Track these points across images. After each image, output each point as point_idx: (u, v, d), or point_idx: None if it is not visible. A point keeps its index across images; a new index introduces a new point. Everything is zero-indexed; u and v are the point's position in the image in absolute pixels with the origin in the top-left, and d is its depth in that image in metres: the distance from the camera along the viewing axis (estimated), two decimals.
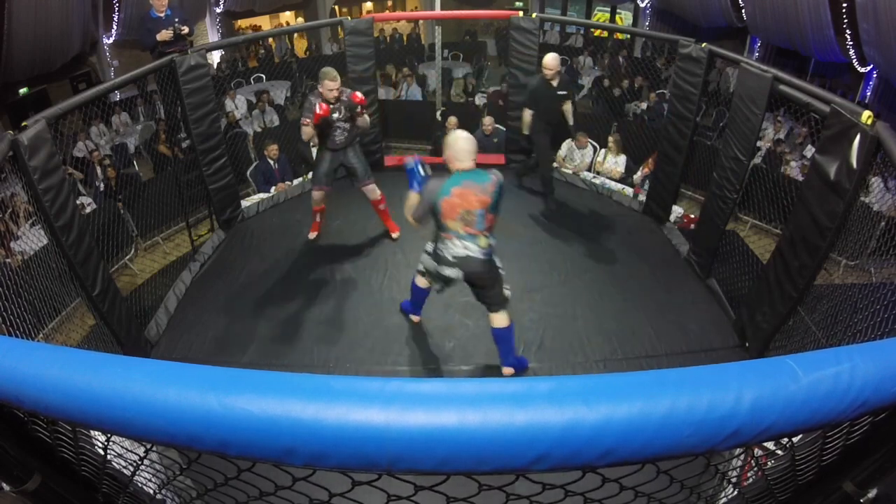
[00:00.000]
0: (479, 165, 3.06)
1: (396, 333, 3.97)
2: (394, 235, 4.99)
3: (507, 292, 3.29)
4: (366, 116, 4.48)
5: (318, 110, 4.06)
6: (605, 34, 13.86)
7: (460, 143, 2.99)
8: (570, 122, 5.47)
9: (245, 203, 5.70)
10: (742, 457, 1.81)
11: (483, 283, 3.19)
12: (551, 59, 5.02)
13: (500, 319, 3.31)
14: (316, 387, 0.68)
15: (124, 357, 0.75)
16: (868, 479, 0.86)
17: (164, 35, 4.91)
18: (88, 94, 3.62)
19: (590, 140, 6.65)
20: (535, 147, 5.45)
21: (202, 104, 4.76)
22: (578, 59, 12.58)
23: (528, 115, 5.18)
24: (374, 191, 4.72)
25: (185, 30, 4.97)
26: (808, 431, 0.76)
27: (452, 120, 6.82)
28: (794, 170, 6.93)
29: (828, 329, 3.19)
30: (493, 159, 6.51)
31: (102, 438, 0.88)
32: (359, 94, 4.29)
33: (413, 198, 3.08)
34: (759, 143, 6.78)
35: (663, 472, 0.87)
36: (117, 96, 10.23)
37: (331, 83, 4.15)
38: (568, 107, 5.32)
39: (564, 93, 5.17)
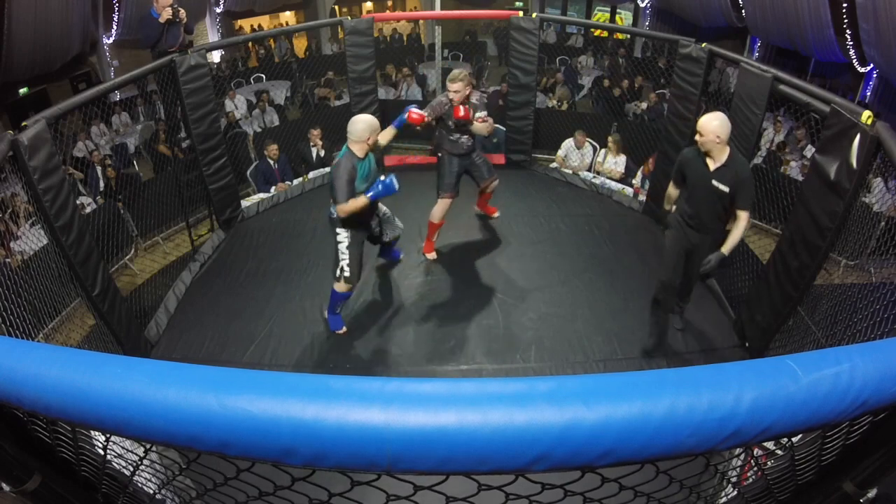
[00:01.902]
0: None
1: (396, 333, 3.97)
2: (495, 215, 5.18)
3: (338, 272, 3.63)
4: (487, 123, 4.08)
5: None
6: (605, 34, 13.86)
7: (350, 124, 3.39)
8: (728, 246, 3.29)
9: (245, 203, 5.70)
10: (742, 457, 1.81)
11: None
12: (707, 122, 3.14)
13: (336, 284, 3.71)
14: (316, 387, 0.68)
15: (124, 357, 0.75)
16: (868, 479, 0.86)
17: (165, 14, 4.85)
18: (88, 94, 3.63)
19: (588, 140, 6.65)
20: (664, 249, 3.76)
21: (202, 104, 4.76)
22: (579, 59, 12.61)
23: (671, 190, 3.64)
24: (494, 184, 4.66)
25: (182, 12, 4.93)
26: (808, 431, 0.76)
27: None
28: (793, 170, 6.93)
29: (828, 329, 3.19)
30: (492, 159, 6.51)
31: (102, 438, 0.88)
32: (461, 111, 3.96)
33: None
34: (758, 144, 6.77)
35: (663, 472, 0.87)
36: (117, 96, 10.23)
37: (451, 85, 3.94)
38: (742, 221, 3.23)
39: (724, 188, 3.20)
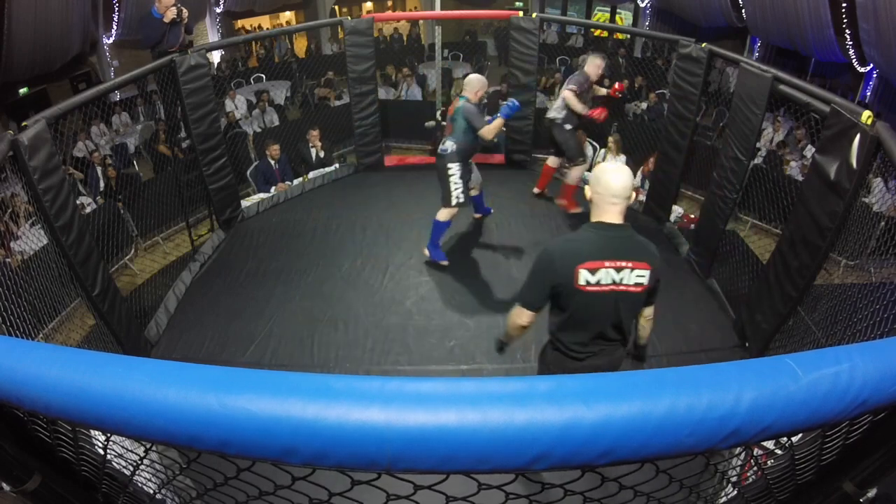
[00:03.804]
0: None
1: (396, 333, 3.97)
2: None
3: (452, 197, 4.26)
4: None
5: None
6: (605, 34, 13.86)
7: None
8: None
9: (245, 203, 5.70)
10: (742, 456, 1.81)
11: (437, 174, 4.34)
12: None
13: (441, 212, 4.38)
14: (316, 386, 0.68)
15: (124, 357, 0.75)
16: (868, 479, 0.86)
17: (170, 14, 4.86)
18: (88, 94, 3.62)
19: (588, 140, 6.64)
20: None
21: (202, 104, 4.76)
22: (579, 59, 12.61)
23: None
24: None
25: (185, 12, 4.93)
26: (808, 431, 0.76)
27: None
28: (794, 170, 6.93)
29: (828, 329, 3.19)
30: (492, 159, 6.51)
31: (102, 438, 0.88)
32: (617, 84, 5.05)
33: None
34: (759, 144, 6.77)
35: (662, 471, 0.87)
36: (117, 96, 10.23)
37: (600, 61, 4.79)
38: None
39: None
